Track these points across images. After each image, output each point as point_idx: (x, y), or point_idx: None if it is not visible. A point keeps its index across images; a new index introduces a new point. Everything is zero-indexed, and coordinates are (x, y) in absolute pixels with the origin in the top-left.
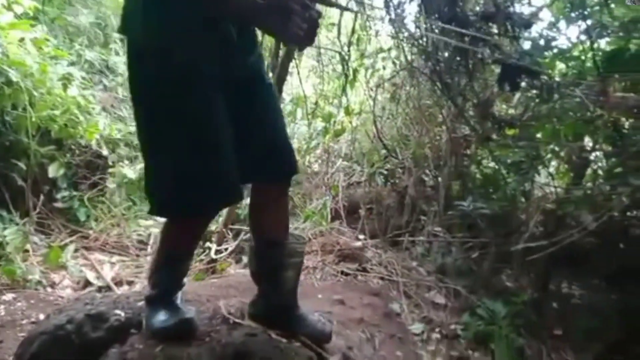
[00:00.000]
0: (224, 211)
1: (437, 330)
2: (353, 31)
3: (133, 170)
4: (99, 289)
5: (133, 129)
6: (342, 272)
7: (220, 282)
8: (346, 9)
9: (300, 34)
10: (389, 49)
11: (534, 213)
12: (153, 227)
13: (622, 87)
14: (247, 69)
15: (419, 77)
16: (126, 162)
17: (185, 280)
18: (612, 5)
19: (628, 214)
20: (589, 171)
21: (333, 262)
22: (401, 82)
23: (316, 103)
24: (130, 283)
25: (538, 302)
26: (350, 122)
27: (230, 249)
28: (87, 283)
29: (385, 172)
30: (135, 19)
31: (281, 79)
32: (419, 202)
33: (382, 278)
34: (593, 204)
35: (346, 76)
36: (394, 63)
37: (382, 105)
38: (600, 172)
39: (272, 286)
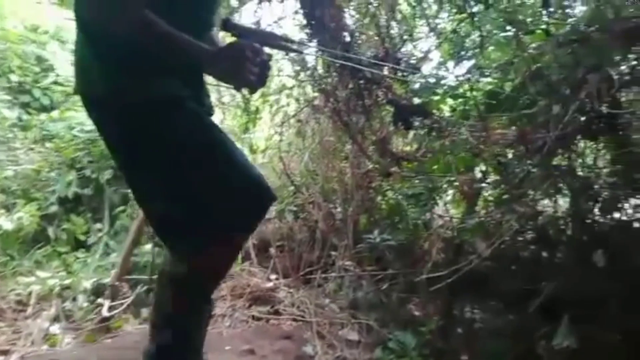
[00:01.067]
0: (119, 262)
1: None
2: None
3: (10, 220)
4: None
5: (9, 172)
6: (253, 317)
7: (115, 343)
8: (297, 51)
9: (252, 79)
10: (292, 87)
11: (435, 242)
12: (35, 284)
13: (503, 124)
14: (211, 111)
15: (322, 114)
16: (1, 210)
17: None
18: (491, 48)
19: (519, 238)
20: (481, 200)
21: (244, 307)
22: (305, 118)
23: None
24: (5, 353)
25: (444, 329)
26: (254, 160)
27: (127, 302)
28: None
29: (295, 208)
30: (98, 77)
31: None
32: (329, 237)
33: (294, 319)
34: (485, 231)
35: (248, 113)
36: (297, 100)
37: (288, 141)
38: (490, 200)
39: None
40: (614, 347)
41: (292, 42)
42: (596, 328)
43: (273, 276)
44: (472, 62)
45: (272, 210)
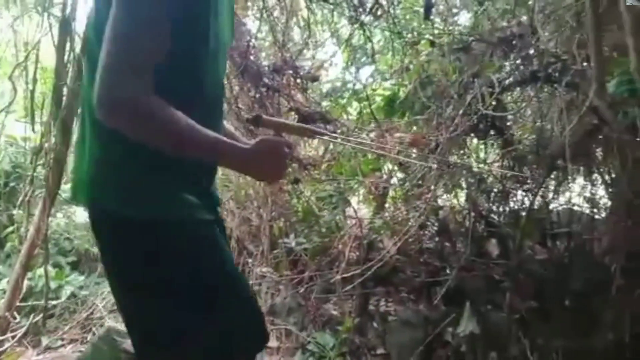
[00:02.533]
0: (7, 291)
1: None
2: None
3: None
4: None
5: None
6: None
7: None
8: (323, 138)
9: (284, 174)
10: None
11: (348, 242)
12: None
13: (403, 127)
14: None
15: (227, 121)
16: None
17: None
18: (389, 55)
19: (422, 232)
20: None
21: None
22: None
23: None
24: None
25: (360, 326)
26: None
27: (21, 332)
28: None
29: None
30: (113, 186)
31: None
32: (246, 244)
33: None
34: (391, 228)
35: None
36: None
37: None
38: (397, 198)
39: None
40: (511, 329)
41: (318, 132)
42: (494, 312)
43: None
44: (373, 67)
45: None
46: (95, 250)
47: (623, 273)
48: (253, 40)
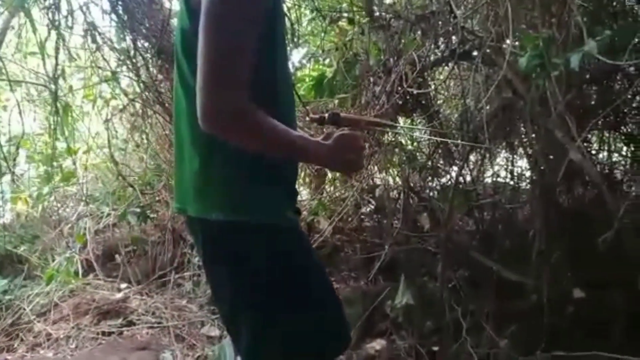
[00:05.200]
0: None
1: None
2: (57, 63)
3: None
4: None
5: None
6: (103, 333)
7: None
8: (394, 131)
9: (362, 165)
10: (111, 79)
11: None
12: None
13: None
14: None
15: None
16: None
17: None
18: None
19: (360, 211)
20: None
21: (91, 324)
22: (138, 111)
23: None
24: None
25: None
26: (85, 161)
27: None
28: None
29: (139, 210)
30: (217, 196)
31: None
32: (182, 234)
33: (151, 327)
34: (328, 209)
35: (57, 112)
36: (125, 94)
37: (123, 138)
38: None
39: None
40: (443, 299)
41: (387, 125)
42: (430, 283)
43: (123, 285)
44: (307, 48)
45: (112, 215)
46: (18, 251)
47: (542, 239)
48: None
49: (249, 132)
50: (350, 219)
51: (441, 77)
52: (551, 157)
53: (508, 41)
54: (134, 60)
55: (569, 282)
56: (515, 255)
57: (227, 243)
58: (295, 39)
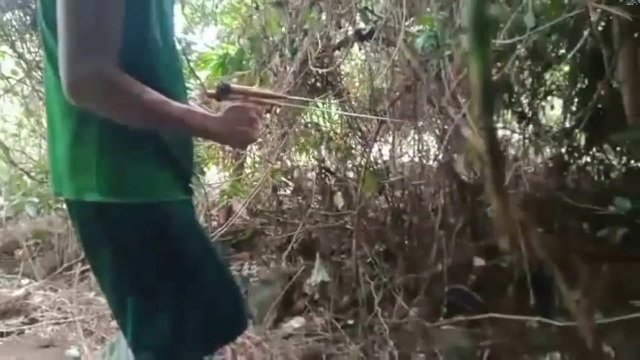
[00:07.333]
0: None
1: None
2: None
3: None
4: None
5: None
6: (2, 334)
7: None
8: (288, 104)
9: (255, 138)
10: None
11: (211, 207)
12: None
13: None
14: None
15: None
16: None
17: None
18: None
19: (280, 192)
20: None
21: None
22: (31, 94)
23: None
24: None
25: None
26: None
27: None
28: None
29: (38, 200)
30: (93, 174)
31: None
32: None
33: (57, 323)
34: (244, 192)
35: None
36: (14, 73)
37: (16, 123)
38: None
39: None
40: (358, 274)
41: (280, 97)
42: (346, 259)
43: (25, 281)
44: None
45: (6, 206)
46: None
47: (445, 212)
48: None
49: (117, 102)
50: (268, 201)
51: (352, 57)
52: (449, 134)
53: (406, 22)
54: (7, 32)
55: (470, 251)
56: (422, 229)
57: (105, 227)
58: (206, 18)
